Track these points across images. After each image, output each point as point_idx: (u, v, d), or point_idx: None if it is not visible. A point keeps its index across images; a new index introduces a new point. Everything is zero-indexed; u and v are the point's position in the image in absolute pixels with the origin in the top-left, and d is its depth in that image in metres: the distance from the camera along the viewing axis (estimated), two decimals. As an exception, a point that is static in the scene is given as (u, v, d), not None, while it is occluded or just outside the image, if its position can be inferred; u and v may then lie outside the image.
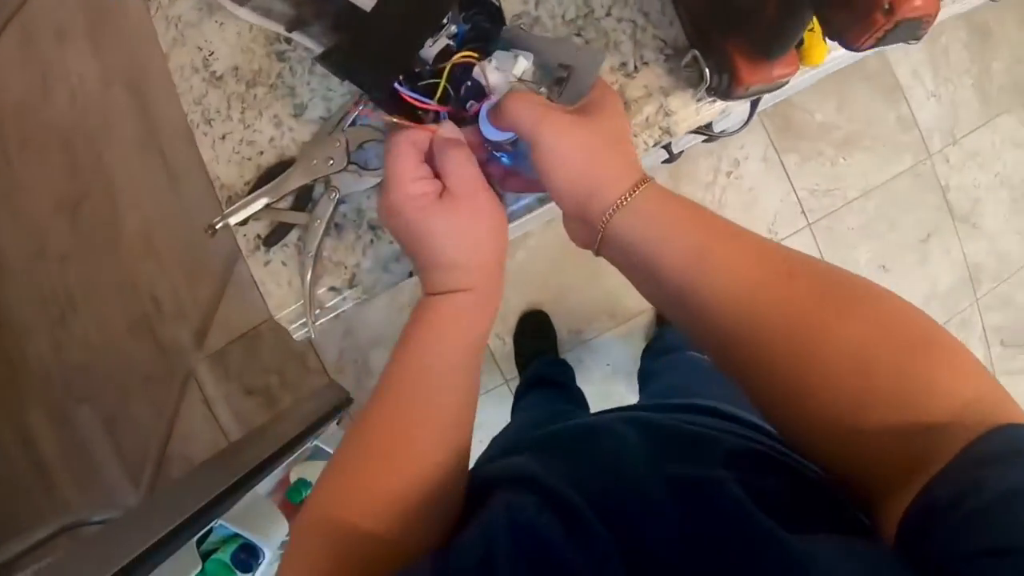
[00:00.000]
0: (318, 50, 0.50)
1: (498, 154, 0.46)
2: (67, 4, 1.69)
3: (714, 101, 0.54)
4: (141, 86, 1.64)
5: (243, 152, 0.58)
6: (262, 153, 0.57)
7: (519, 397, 1.35)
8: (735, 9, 0.47)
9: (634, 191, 0.38)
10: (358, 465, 0.40)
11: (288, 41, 0.57)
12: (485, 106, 0.43)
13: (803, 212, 1.66)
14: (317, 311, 0.57)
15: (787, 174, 1.66)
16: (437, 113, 0.45)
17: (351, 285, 0.56)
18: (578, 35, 0.54)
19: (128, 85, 1.64)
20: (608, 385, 1.67)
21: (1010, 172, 1.75)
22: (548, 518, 0.34)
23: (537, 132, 0.38)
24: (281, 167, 0.55)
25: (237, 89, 0.58)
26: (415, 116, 0.45)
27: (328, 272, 0.56)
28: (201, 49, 0.60)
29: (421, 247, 0.41)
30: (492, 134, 0.44)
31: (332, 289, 0.56)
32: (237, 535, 1.03)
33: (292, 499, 1.18)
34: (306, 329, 0.57)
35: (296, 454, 1.12)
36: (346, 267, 0.55)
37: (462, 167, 0.41)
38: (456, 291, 0.41)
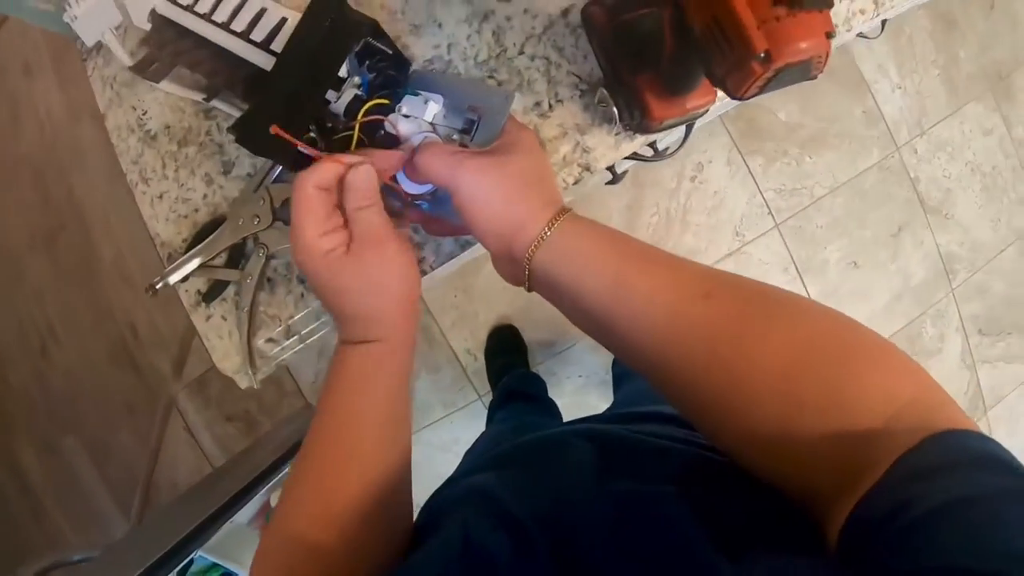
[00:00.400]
0: (237, 114, 0.51)
1: (419, 202, 0.46)
2: (32, 40, 1.69)
3: (633, 136, 0.55)
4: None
5: (179, 210, 0.59)
6: (197, 211, 0.58)
7: (492, 411, 1.35)
8: (638, 50, 0.47)
9: (551, 225, 0.38)
10: (293, 514, 0.41)
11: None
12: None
13: (770, 213, 1.63)
14: (260, 359, 0.58)
15: (752, 176, 1.63)
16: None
17: (288, 336, 0.57)
18: (491, 77, 0.53)
19: (95, 117, 1.64)
20: (581, 396, 1.66)
21: (981, 160, 1.73)
22: (500, 537, 0.35)
23: (453, 180, 0.38)
24: (213, 225, 0.56)
25: (170, 148, 0.59)
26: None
27: (264, 325, 0.57)
28: (135, 108, 0.61)
29: (330, 301, 0.41)
30: (411, 187, 0.45)
31: (270, 340, 0.57)
32: (217, 564, 1.04)
33: (273, 524, 1.19)
34: (248, 380, 0.58)
35: (274, 480, 1.14)
36: (280, 320, 0.57)
37: (369, 215, 0.39)
38: (368, 341, 0.41)
